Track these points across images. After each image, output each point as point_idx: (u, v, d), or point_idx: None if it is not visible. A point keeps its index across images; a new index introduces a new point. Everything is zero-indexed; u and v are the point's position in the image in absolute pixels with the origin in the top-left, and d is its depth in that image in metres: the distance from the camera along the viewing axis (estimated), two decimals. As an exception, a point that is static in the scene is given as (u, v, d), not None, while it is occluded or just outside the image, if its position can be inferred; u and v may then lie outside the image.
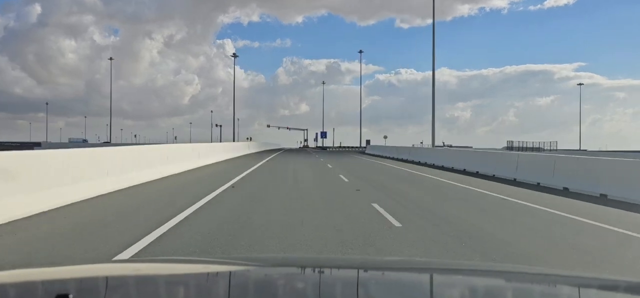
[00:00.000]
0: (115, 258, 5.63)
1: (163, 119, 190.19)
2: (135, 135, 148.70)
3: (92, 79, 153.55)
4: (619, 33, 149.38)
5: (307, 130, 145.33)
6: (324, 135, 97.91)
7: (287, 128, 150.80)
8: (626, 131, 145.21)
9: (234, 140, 75.88)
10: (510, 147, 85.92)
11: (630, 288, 1.72)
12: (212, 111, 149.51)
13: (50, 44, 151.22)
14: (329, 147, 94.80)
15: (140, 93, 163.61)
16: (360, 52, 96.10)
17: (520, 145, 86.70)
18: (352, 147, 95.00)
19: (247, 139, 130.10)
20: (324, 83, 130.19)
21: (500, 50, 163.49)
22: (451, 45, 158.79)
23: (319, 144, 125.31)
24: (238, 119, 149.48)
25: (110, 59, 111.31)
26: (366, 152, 65.54)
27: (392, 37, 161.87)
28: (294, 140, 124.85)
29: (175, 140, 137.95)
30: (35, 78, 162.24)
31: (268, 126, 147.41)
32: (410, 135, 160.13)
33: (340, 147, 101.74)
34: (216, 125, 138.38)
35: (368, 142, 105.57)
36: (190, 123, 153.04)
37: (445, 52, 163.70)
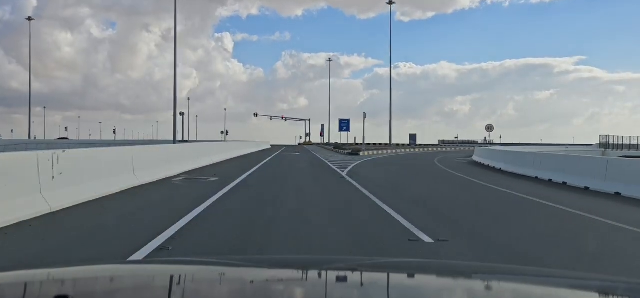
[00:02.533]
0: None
1: (161, 113, 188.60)
2: (66, 128, 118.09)
3: (89, 73, 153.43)
4: (620, 27, 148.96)
5: (309, 120, 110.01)
6: (344, 125, 57.75)
7: (282, 118, 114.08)
8: (625, 125, 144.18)
9: (175, 140, 37.21)
10: (605, 144, 66.37)
11: (630, 287, 1.73)
12: (189, 99, 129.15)
13: (46, 37, 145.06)
14: (359, 146, 48.31)
15: (138, 87, 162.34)
16: (391, 3, 57.88)
17: (616, 141, 67.02)
18: (381, 144, 57.96)
19: (223, 132, 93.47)
20: (330, 60, 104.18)
21: (501, 44, 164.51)
22: (451, 38, 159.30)
23: (327, 140, 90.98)
24: (225, 109, 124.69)
25: (29, 18, 73.46)
26: (480, 162, 28.51)
27: (392, 31, 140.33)
28: (291, 136, 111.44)
29: (113, 134, 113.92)
30: (32, 72, 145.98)
31: (255, 115, 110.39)
32: (410, 130, 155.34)
33: (353, 144, 61.04)
34: (180, 114, 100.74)
35: (413, 137, 68.99)
36: (182, 113, 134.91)
37: (445, 46, 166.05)
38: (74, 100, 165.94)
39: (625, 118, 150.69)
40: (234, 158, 28.23)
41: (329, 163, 25.40)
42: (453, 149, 79.42)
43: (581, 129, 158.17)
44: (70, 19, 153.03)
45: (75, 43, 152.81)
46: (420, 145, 71.91)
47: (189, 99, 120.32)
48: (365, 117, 50.08)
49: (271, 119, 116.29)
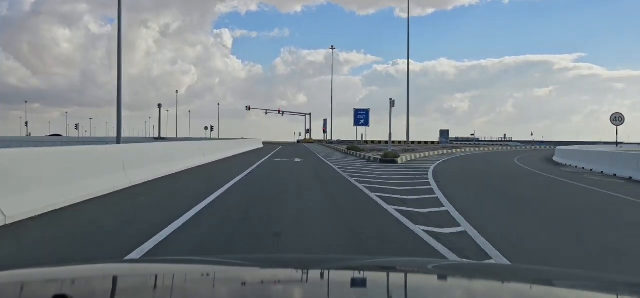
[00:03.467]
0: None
1: (157, 109, 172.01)
2: (26, 125, 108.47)
3: (87, 69, 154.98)
4: (620, 24, 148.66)
5: (310, 114, 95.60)
6: (361, 118, 40.53)
7: (279, 111, 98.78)
8: (624, 122, 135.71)
9: (119, 140, 21.71)
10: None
11: (629, 287, 1.68)
12: (177, 91, 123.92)
13: (45, 33, 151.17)
14: (376, 143, 31.78)
15: (136, 83, 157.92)
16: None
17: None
18: (407, 143, 43.69)
19: (207, 128, 78.91)
20: (333, 48, 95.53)
21: (500, 41, 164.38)
22: (451, 35, 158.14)
23: (329, 137, 79.76)
24: (218, 104, 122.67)
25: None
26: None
27: (391, 27, 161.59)
28: (290, 132, 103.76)
29: (76, 130, 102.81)
30: (30, 68, 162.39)
31: (248, 109, 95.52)
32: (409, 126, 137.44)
33: (363, 141, 45.93)
34: (159, 107, 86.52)
35: (445, 134, 55.30)
36: (167, 110, 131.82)
37: (445, 42, 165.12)
38: (72, 96, 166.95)
39: (624, 115, 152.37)
40: (173, 175, 13.27)
41: (380, 201, 9.98)
42: (489, 148, 64.60)
43: (580, 126, 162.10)
44: (69, 14, 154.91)
45: (74, 39, 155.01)
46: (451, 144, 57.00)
47: (177, 91, 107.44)
48: (392, 105, 34.86)
49: (266, 113, 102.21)
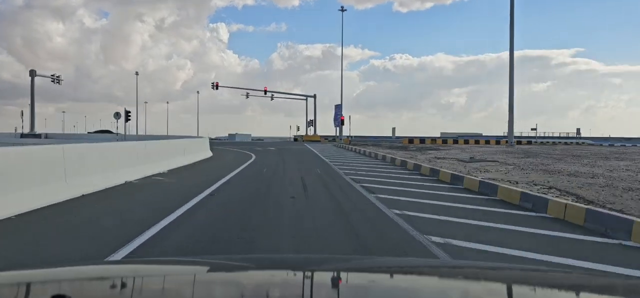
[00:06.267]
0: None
1: (154, 105, 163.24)
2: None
3: (81, 64, 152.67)
4: (618, 18, 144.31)
5: (314, 97, 62.94)
6: None
7: (265, 91, 64.69)
8: (620, 118, 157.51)
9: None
10: None
11: (628, 288, 1.68)
12: (137, 73, 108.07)
13: (38, 27, 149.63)
14: None
15: (131, 78, 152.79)
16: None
17: None
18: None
19: (118, 115, 44.85)
20: (343, 9, 64.81)
21: (499, 35, 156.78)
22: (449, 29, 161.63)
23: (338, 133, 47.21)
24: (198, 91, 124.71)
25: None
26: None
27: (389, 22, 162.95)
28: (286, 127, 65.10)
29: None
30: (23, 62, 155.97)
31: (215, 87, 62.03)
32: (405, 122, 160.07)
33: None
34: (31, 74, 52.30)
35: None
36: (146, 102, 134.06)
37: (443, 37, 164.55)
38: (67, 91, 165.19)
39: (621, 111, 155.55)
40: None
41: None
42: None
43: (577, 121, 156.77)
44: (62, 8, 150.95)
45: (67, 33, 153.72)
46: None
47: (137, 73, 76.05)
48: None
49: (247, 97, 69.88)
